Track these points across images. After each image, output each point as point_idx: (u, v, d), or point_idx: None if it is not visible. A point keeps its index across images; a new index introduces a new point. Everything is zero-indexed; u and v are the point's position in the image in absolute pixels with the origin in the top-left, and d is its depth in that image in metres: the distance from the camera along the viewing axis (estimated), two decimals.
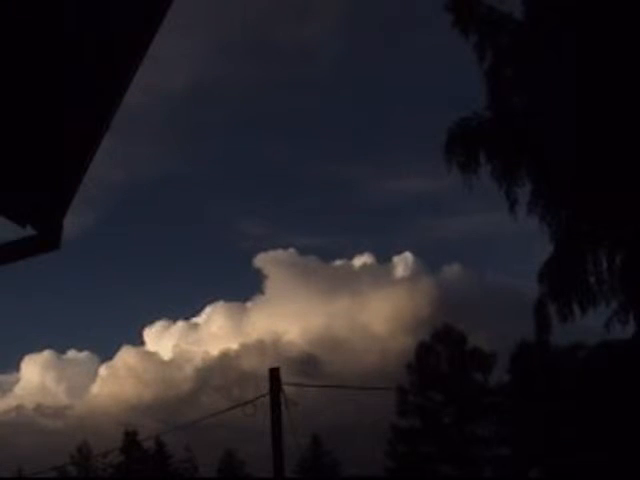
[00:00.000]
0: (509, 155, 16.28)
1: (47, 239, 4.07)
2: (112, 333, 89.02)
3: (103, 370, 65.47)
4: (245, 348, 58.86)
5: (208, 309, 67.99)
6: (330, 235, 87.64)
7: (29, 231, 4.02)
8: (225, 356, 60.93)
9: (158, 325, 66.56)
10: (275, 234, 78.73)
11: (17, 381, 66.99)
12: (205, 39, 69.01)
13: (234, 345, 63.38)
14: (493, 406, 37.50)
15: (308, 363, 53.85)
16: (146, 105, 72.08)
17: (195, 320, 68.18)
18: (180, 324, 67.40)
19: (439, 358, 39.65)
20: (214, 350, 65.34)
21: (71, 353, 69.68)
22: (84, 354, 68.54)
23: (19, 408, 63.18)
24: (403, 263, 62.45)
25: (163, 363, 64.74)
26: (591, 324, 17.37)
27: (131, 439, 47.43)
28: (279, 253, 65.53)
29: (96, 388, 64.99)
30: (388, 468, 38.86)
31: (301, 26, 70.43)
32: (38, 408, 64.10)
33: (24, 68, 3.48)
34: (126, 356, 64.92)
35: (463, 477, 37.33)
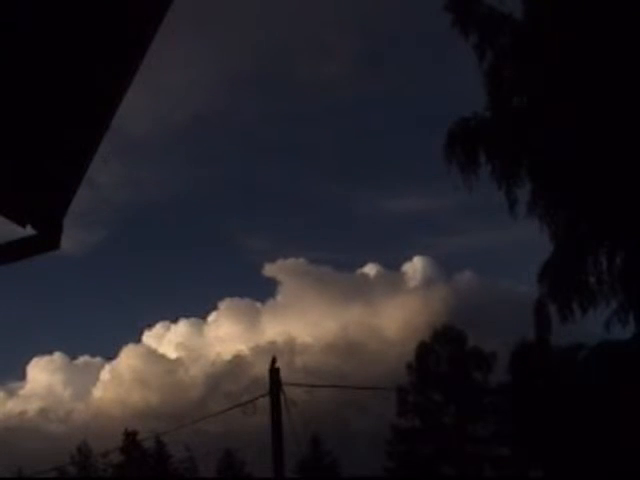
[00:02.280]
0: (509, 155, 16.27)
1: (47, 239, 4.07)
2: (117, 337, 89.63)
3: (107, 374, 64.95)
4: (257, 351, 58.30)
5: (219, 310, 67.41)
6: (333, 252, 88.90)
7: (29, 231, 4.02)
8: (237, 358, 60.48)
9: (164, 327, 66.19)
10: (279, 250, 79.57)
11: (23, 385, 66.79)
12: (219, 70, 71.11)
13: (245, 348, 62.99)
14: (493, 406, 37.51)
15: (322, 369, 53.72)
16: (157, 131, 75.43)
17: (207, 321, 67.45)
18: (187, 326, 67.00)
19: (439, 358, 39.67)
20: (227, 353, 64.86)
21: (82, 358, 69.63)
22: (87, 358, 68.41)
23: (22, 413, 62.98)
24: (414, 268, 62.14)
25: (170, 366, 64.28)
26: (591, 324, 17.39)
27: (131, 439, 47.43)
28: (291, 262, 65.55)
29: (100, 392, 64.53)
30: (388, 468, 38.87)
31: (315, 63, 72.23)
32: (42, 412, 63.94)
33: (24, 68, 3.48)
34: (131, 359, 64.48)
35: (463, 477, 37.34)
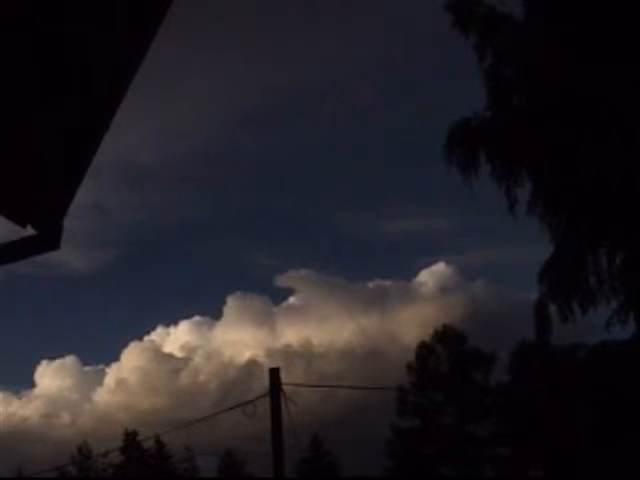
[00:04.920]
0: (509, 155, 16.28)
1: (47, 239, 4.07)
2: (121, 340, 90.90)
3: (112, 379, 64.76)
4: (270, 355, 58.02)
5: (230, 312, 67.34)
6: (339, 270, 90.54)
7: (29, 231, 4.02)
8: (252, 363, 60.36)
9: (168, 330, 66.11)
10: (284, 266, 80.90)
11: (31, 390, 67.03)
12: (226, 104, 73.83)
13: (260, 354, 62.89)
14: (493, 406, 37.52)
15: (338, 374, 53.68)
16: (165, 160, 80.00)
17: (220, 323, 67.29)
18: (195, 327, 66.88)
19: (439, 358, 39.69)
20: (240, 358, 64.80)
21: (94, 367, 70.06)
22: (100, 367, 68.73)
23: (27, 418, 62.97)
24: (427, 277, 62.26)
25: (175, 368, 64.15)
26: (591, 324, 17.41)
27: (131, 439, 47.43)
28: (303, 272, 65.86)
29: (105, 396, 64.32)
30: (388, 468, 38.88)
31: (318, 96, 73.85)
32: (47, 416, 63.95)
33: (24, 68, 3.48)
34: (135, 362, 64.26)
35: (463, 477, 37.34)
